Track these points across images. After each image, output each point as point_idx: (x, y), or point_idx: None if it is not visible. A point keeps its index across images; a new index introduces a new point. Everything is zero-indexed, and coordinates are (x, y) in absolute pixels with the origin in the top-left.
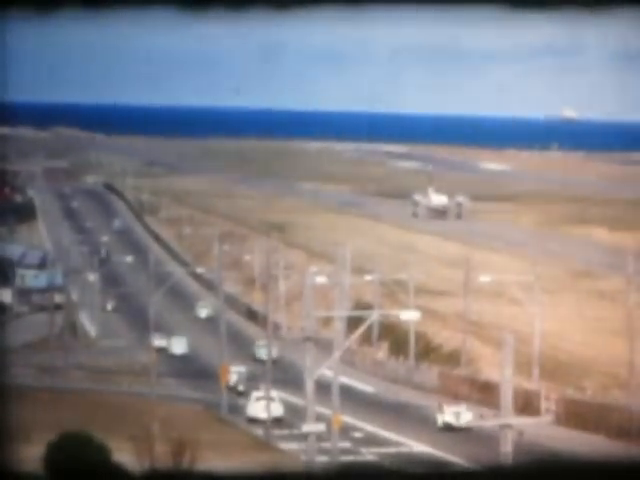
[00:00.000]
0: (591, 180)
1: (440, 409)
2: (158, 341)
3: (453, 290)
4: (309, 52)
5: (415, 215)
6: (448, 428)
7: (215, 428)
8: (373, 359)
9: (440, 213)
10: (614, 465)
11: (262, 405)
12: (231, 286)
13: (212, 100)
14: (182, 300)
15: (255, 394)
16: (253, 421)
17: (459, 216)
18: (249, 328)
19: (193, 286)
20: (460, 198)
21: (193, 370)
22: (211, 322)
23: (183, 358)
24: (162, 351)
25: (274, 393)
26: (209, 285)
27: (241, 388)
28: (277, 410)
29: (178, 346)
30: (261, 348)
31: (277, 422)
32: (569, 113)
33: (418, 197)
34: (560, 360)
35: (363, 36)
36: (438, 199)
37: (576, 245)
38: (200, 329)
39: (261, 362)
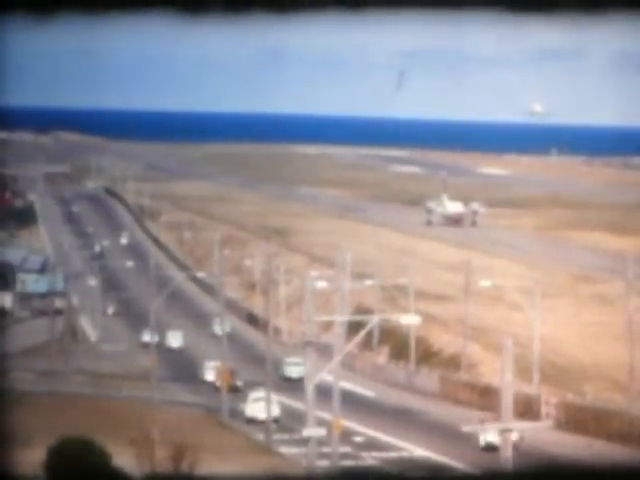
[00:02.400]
0: (591, 185)
1: (482, 426)
2: (153, 337)
3: (453, 295)
4: (309, 56)
5: (429, 223)
6: (491, 448)
7: (215, 432)
8: (374, 364)
9: (455, 221)
10: (614, 470)
11: (260, 406)
12: (232, 291)
13: (212, 104)
14: (183, 304)
15: (253, 395)
16: (251, 422)
17: (474, 224)
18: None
19: (195, 291)
20: (475, 205)
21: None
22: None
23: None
24: (159, 347)
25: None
26: (210, 290)
27: (219, 383)
28: (274, 411)
29: (174, 340)
30: (290, 366)
31: (274, 422)
32: (538, 108)
33: (432, 204)
34: (560, 365)
35: (363, 40)
36: (453, 207)
37: (576, 250)
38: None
39: (289, 380)
